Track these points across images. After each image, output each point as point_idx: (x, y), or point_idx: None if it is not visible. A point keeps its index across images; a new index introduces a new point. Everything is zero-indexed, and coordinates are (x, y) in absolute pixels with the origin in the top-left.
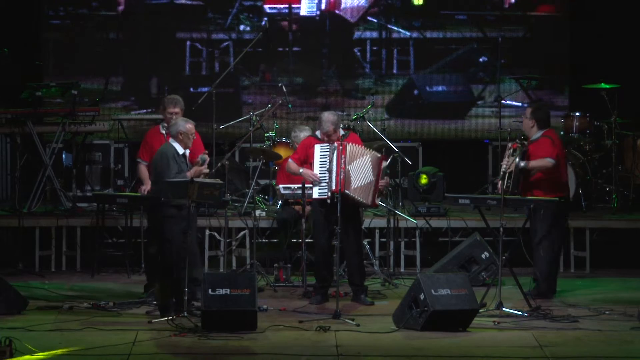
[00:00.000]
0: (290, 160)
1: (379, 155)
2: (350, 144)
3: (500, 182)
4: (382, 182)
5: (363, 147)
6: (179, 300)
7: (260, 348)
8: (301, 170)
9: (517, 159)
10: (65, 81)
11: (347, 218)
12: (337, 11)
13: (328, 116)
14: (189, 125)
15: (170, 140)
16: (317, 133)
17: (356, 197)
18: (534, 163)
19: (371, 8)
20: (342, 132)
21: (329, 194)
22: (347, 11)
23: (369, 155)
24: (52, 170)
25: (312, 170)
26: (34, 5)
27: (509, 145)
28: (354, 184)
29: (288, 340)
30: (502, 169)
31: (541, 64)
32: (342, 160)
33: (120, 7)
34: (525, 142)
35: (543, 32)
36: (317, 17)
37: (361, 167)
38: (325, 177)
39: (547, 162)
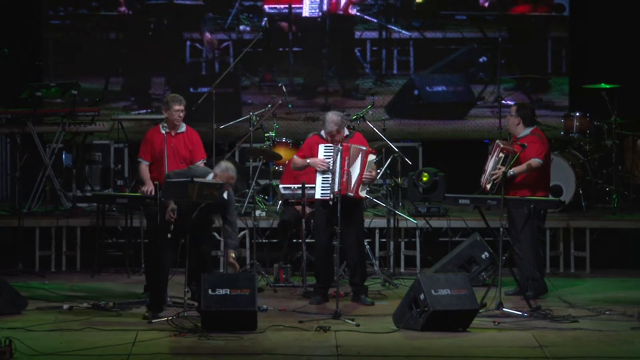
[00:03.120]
0: (295, 157)
1: (364, 148)
2: (353, 145)
3: (485, 181)
4: (366, 175)
5: (362, 146)
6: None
7: (261, 348)
8: (309, 161)
9: (504, 168)
10: (65, 81)
11: (349, 218)
12: (339, 11)
13: (331, 117)
14: (228, 174)
15: None
16: (322, 132)
17: (348, 194)
18: (520, 168)
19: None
20: (346, 132)
21: (331, 195)
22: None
23: (361, 152)
24: (52, 170)
25: (315, 174)
26: (34, 5)
27: (499, 144)
28: (352, 183)
29: (288, 340)
30: (488, 171)
31: (541, 64)
32: (346, 162)
33: (121, 7)
34: (515, 150)
35: (543, 32)
36: (319, 19)
37: (356, 166)
38: (328, 177)
39: (535, 162)
